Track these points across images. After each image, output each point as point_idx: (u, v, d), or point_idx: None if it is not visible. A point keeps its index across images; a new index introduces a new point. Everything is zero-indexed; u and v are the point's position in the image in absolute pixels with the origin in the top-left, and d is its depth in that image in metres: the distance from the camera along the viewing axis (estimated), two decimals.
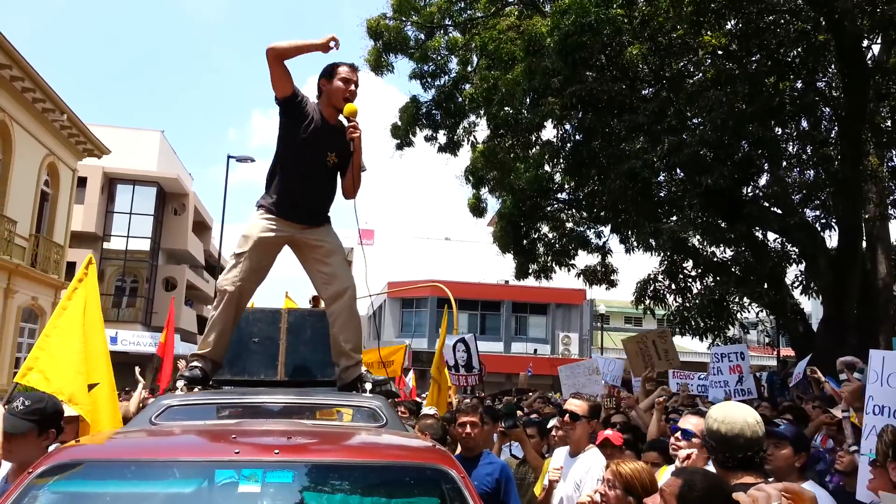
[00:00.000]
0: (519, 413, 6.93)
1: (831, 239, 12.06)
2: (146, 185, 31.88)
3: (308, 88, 3.91)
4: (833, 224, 12.08)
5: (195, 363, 3.74)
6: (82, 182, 27.17)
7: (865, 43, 10.86)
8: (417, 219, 68.02)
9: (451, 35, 15.36)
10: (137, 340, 25.83)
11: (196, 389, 3.68)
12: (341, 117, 3.90)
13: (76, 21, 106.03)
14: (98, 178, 29.80)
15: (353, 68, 3.93)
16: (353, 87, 3.85)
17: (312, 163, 3.86)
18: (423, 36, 15.26)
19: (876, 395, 3.87)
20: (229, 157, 23.12)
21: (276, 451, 2.43)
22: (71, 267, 26.41)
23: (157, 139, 33.46)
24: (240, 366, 4.02)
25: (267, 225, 3.82)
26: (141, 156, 31.29)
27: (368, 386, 3.67)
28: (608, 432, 4.31)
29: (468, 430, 4.38)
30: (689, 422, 3.81)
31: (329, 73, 3.87)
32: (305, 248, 3.93)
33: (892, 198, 13.65)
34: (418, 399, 12.71)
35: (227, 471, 2.36)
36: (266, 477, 2.32)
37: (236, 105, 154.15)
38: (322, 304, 4.09)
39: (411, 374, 16.48)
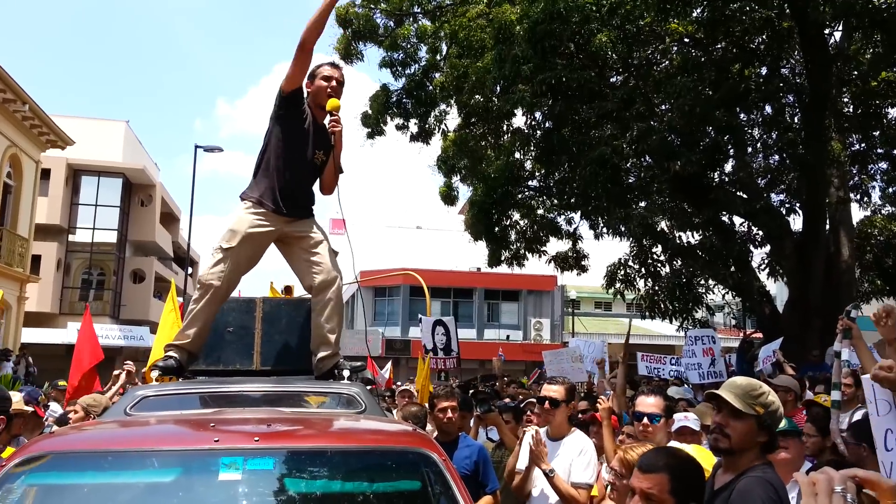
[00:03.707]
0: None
1: (796, 222, 12.36)
2: (112, 176, 31.27)
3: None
4: (797, 208, 12.35)
5: (171, 353, 3.71)
6: (46, 174, 26.58)
7: (827, 30, 11.08)
8: (389, 208, 67.74)
9: (420, 23, 15.30)
10: (106, 334, 25.38)
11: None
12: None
13: (37, 10, 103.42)
14: (62, 170, 29.16)
15: (334, 66, 4.01)
16: (333, 83, 3.92)
17: (304, 159, 3.90)
18: (392, 24, 15.18)
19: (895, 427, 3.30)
20: (197, 146, 22.79)
21: (256, 438, 2.43)
22: (36, 260, 25.92)
23: (122, 130, 32.82)
24: (214, 356, 3.98)
25: (255, 220, 3.80)
26: (106, 147, 30.64)
27: (346, 373, 3.69)
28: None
29: (449, 414, 4.47)
30: (649, 404, 3.88)
31: (312, 74, 3.95)
32: (291, 240, 3.94)
33: (853, 182, 14.00)
34: (394, 387, 12.72)
35: (206, 459, 2.36)
36: (246, 464, 2.32)
37: (201, 94, 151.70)
38: (294, 294, 4.09)
39: (388, 366, 16.50)
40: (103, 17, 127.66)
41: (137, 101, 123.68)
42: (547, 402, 4.22)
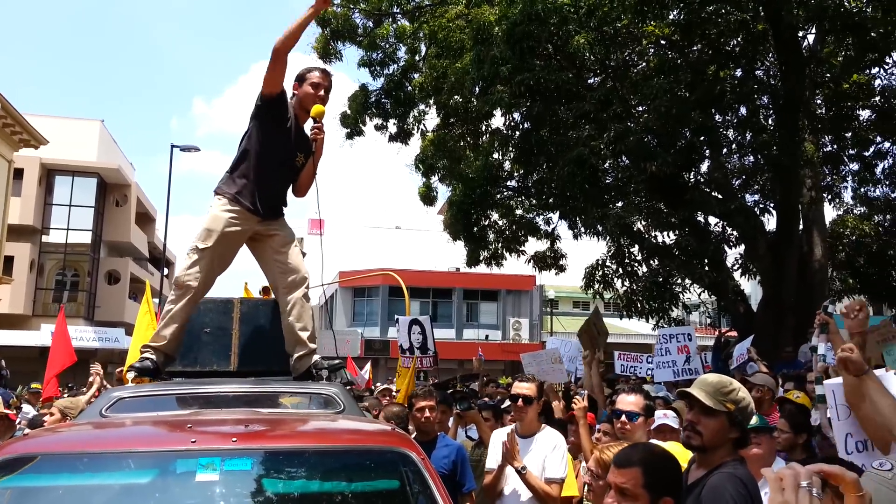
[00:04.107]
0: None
1: (769, 222, 12.52)
2: (86, 176, 30.89)
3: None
4: (771, 208, 12.52)
5: (147, 355, 3.68)
6: (19, 174, 26.21)
7: (801, 33, 11.25)
8: (368, 208, 67.47)
9: (399, 23, 15.29)
10: (80, 336, 25.07)
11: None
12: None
13: (9, 7, 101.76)
14: (35, 170, 28.75)
15: (325, 73, 3.99)
16: (322, 91, 3.92)
17: (284, 160, 3.89)
18: (371, 24, 15.14)
19: (855, 431, 3.39)
20: (173, 146, 22.58)
21: (234, 439, 2.43)
22: (9, 261, 25.53)
23: (97, 129, 32.43)
24: (191, 357, 3.94)
25: (231, 218, 3.78)
26: (80, 146, 30.25)
27: (325, 373, 3.69)
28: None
29: (427, 414, 4.48)
30: (629, 402, 3.92)
31: (301, 77, 3.95)
32: (264, 238, 3.93)
33: (826, 182, 14.23)
34: (373, 388, 12.70)
35: (184, 460, 2.35)
36: (224, 465, 2.32)
37: (177, 93, 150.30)
38: (272, 295, 4.08)
39: (368, 366, 16.47)
40: (78, 14, 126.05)
41: (113, 99, 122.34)
42: (521, 399, 4.24)
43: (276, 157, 3.86)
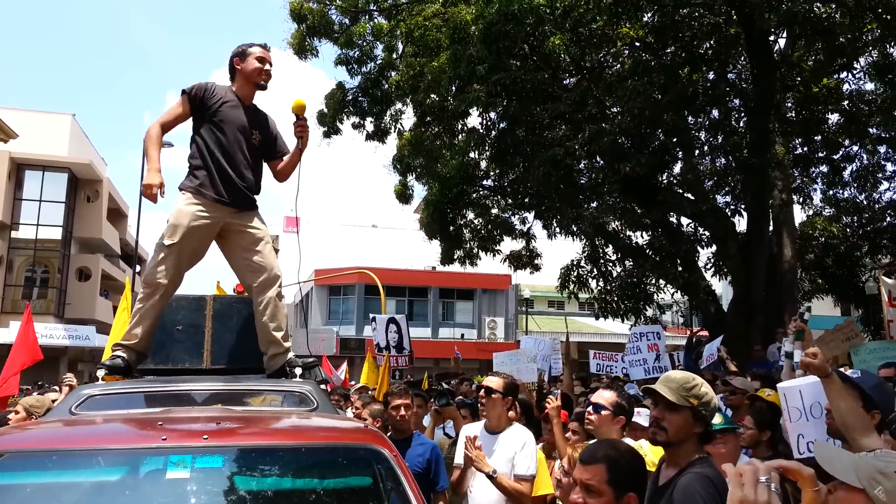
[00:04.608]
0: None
1: (740, 224, 12.71)
2: (57, 170, 30.37)
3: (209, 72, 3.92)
4: (742, 210, 12.72)
5: (118, 353, 3.64)
6: None
7: (772, 37, 11.44)
8: (344, 206, 67.26)
9: (376, 21, 15.26)
10: (50, 333, 24.70)
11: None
12: (259, 106, 3.96)
13: None
14: (4, 164, 28.23)
15: (266, 48, 3.95)
16: (267, 66, 3.89)
17: (237, 142, 3.83)
18: (347, 21, 15.09)
19: (807, 432, 3.46)
20: None
21: (205, 436, 2.42)
22: None
23: (68, 123, 31.91)
24: (163, 354, 3.90)
25: (197, 212, 3.72)
26: (51, 140, 29.75)
27: (298, 371, 3.68)
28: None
29: (402, 412, 4.48)
30: (602, 396, 3.98)
31: (241, 53, 3.90)
32: (233, 235, 3.88)
33: (796, 184, 14.48)
34: (349, 386, 12.68)
35: (154, 458, 2.34)
36: (195, 462, 2.30)
37: (150, 87, 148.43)
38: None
39: (344, 366, 16.41)
40: (49, 5, 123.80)
41: (84, 93, 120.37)
42: (483, 391, 4.22)
43: (226, 140, 3.81)
